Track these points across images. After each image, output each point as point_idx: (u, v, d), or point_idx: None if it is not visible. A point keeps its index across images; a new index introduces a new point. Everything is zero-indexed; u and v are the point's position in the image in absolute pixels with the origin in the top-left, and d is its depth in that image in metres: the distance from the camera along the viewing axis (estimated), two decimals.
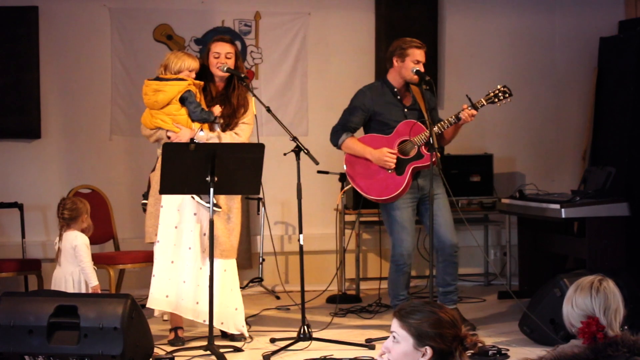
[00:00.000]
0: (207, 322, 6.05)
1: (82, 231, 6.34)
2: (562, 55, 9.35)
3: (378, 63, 8.94)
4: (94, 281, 6.26)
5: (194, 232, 6.25)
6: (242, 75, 6.37)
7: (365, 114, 6.77)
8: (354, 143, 6.74)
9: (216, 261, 6.20)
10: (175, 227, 6.28)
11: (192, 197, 6.23)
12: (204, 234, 6.25)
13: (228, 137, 6.35)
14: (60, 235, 6.31)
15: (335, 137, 6.80)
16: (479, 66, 9.15)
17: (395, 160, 6.61)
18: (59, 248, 6.29)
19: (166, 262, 6.26)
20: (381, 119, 6.72)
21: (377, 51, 8.97)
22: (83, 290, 6.22)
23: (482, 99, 6.65)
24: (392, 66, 6.76)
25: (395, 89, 6.76)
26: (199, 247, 6.25)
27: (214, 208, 6.15)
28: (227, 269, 6.36)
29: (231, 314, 6.37)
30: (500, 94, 6.67)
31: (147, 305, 6.26)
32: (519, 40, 9.28)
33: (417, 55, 6.66)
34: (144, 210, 6.46)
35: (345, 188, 7.44)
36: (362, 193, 6.76)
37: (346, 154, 6.81)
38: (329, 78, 8.94)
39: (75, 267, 6.26)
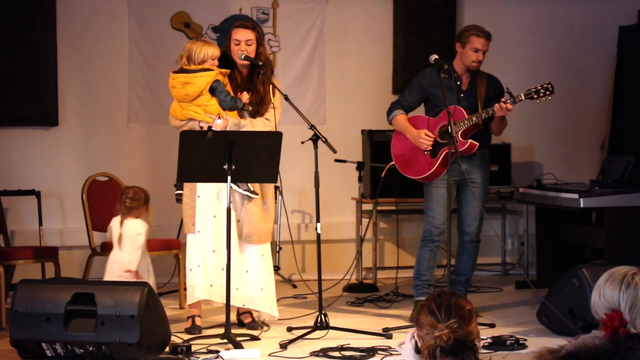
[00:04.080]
0: (245, 306, 6.35)
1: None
2: (581, 44, 9.29)
3: (396, 51, 8.91)
4: (134, 267, 6.28)
5: (231, 220, 6.24)
6: (260, 64, 6.35)
7: (421, 94, 6.86)
8: (401, 120, 6.85)
9: (254, 247, 6.34)
10: (214, 216, 6.28)
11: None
12: (238, 221, 6.31)
13: (260, 124, 6.36)
14: (122, 222, 6.35)
15: (389, 112, 6.92)
16: (498, 55, 9.05)
17: (430, 143, 6.67)
18: (120, 234, 6.32)
19: (209, 251, 6.29)
20: (436, 101, 6.74)
21: (394, 39, 8.93)
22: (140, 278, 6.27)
23: (522, 94, 6.64)
24: (456, 52, 6.84)
25: (456, 74, 6.77)
26: (236, 234, 6.28)
27: (251, 195, 6.27)
28: (265, 253, 6.42)
29: (273, 297, 6.45)
30: (541, 90, 6.66)
31: (195, 296, 6.26)
32: (537, 29, 9.22)
33: (475, 43, 6.70)
34: (178, 200, 6.47)
35: (390, 165, 7.30)
36: (398, 169, 6.88)
37: (395, 131, 6.94)
38: (347, 66, 8.90)
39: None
